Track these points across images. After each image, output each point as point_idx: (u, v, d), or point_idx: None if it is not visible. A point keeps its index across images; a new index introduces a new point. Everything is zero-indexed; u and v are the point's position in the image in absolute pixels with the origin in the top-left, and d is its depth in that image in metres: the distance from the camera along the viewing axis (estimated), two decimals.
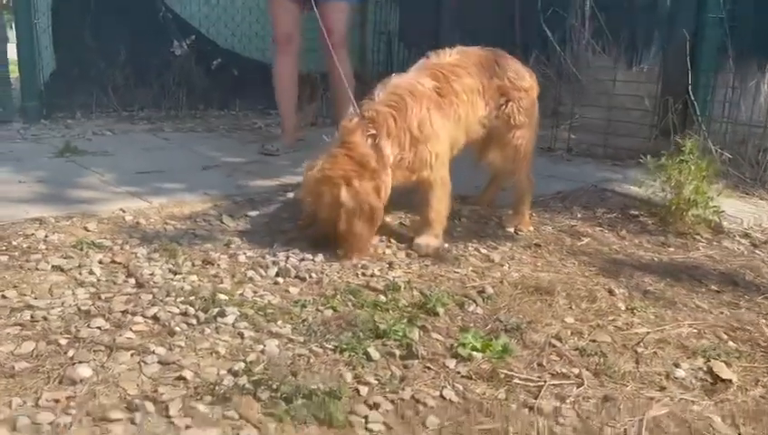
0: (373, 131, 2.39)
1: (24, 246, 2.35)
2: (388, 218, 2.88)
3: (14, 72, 5.19)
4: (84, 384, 1.53)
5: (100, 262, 2.24)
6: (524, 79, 2.83)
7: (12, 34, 5.29)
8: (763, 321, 2.11)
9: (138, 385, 1.54)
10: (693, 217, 3.02)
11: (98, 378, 1.56)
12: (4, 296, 1.95)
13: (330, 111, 5.08)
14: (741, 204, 3.43)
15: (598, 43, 5.65)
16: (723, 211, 2.98)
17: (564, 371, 1.73)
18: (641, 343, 1.91)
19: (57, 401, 1.45)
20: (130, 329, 1.79)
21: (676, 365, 1.79)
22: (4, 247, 2.32)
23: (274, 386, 1.54)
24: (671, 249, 2.81)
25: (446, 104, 2.55)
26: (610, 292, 2.27)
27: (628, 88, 4.75)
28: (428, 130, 2.46)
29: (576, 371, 1.73)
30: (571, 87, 5.17)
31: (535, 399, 1.59)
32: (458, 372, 1.69)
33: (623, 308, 2.15)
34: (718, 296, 2.33)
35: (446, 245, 2.61)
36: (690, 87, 3.82)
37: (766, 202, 3.52)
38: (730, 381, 1.73)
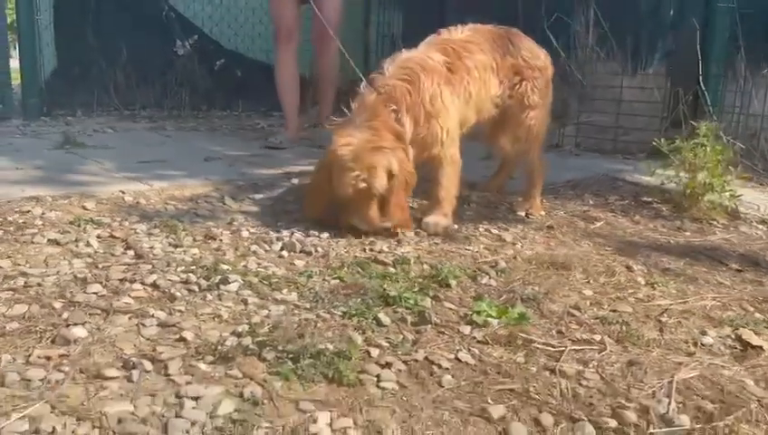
0: (394, 106, 2.31)
1: (20, 221, 2.26)
2: None
3: (15, 79, 5.17)
4: (78, 344, 1.44)
5: (98, 236, 2.16)
6: (539, 58, 2.76)
7: (15, 53, 5.26)
8: None
9: (135, 345, 1.45)
10: (708, 203, 2.94)
11: (93, 338, 1.47)
12: None
13: (336, 114, 5.08)
14: (756, 193, 3.35)
15: (602, 49, 5.62)
16: (740, 195, 2.90)
17: (585, 337, 1.64)
18: (665, 314, 1.81)
19: (49, 358, 1.37)
20: (128, 295, 1.70)
21: (703, 333, 1.70)
22: None
23: (280, 347, 1.45)
24: (687, 233, 2.72)
25: (457, 81, 2.47)
26: (629, 268, 2.18)
27: (635, 93, 4.71)
28: (439, 105, 2.38)
29: (598, 337, 1.64)
30: (576, 92, 5.13)
31: (557, 362, 1.50)
32: (474, 337, 1.60)
33: (643, 283, 2.06)
34: (740, 275, 2.24)
35: (456, 226, 2.52)
36: (701, 77, 3.75)
37: None
38: (761, 347, 1.63)
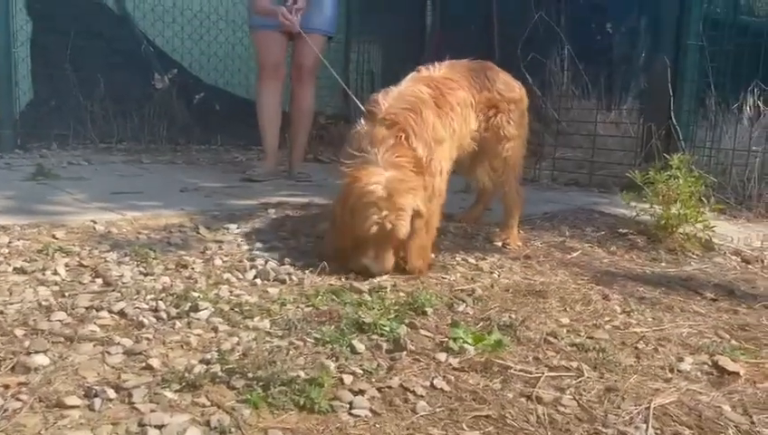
0: (404, 134, 2.28)
1: None
2: None
3: None
4: (39, 372, 1.38)
5: (67, 265, 2.11)
6: (514, 91, 2.79)
7: None
8: (765, 322, 2.02)
9: (99, 373, 1.40)
10: (683, 234, 2.96)
11: (55, 367, 1.41)
12: None
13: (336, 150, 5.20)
14: (729, 225, 3.40)
15: (577, 87, 5.75)
16: (714, 226, 2.93)
17: (562, 364, 1.62)
18: (641, 341, 1.80)
19: (7, 386, 1.31)
20: (94, 323, 1.65)
21: (680, 360, 1.69)
22: None
23: (250, 374, 1.40)
24: (663, 264, 2.74)
25: (444, 115, 2.47)
26: (605, 297, 2.18)
27: (609, 129, 4.80)
28: (441, 135, 2.39)
29: (575, 364, 1.62)
30: (552, 128, 5.22)
31: (533, 388, 1.47)
32: (449, 364, 1.57)
33: (619, 311, 2.05)
34: (715, 304, 2.24)
35: (433, 255, 2.50)
36: (673, 113, 3.83)
37: (754, 224, 3.49)
38: (737, 373, 1.62)
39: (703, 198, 3.03)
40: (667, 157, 3.10)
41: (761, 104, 3.82)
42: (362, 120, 2.38)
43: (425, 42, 6.49)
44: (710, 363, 1.68)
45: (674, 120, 3.84)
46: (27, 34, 5.02)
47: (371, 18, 6.59)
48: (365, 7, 6.57)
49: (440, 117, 2.44)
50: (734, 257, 2.92)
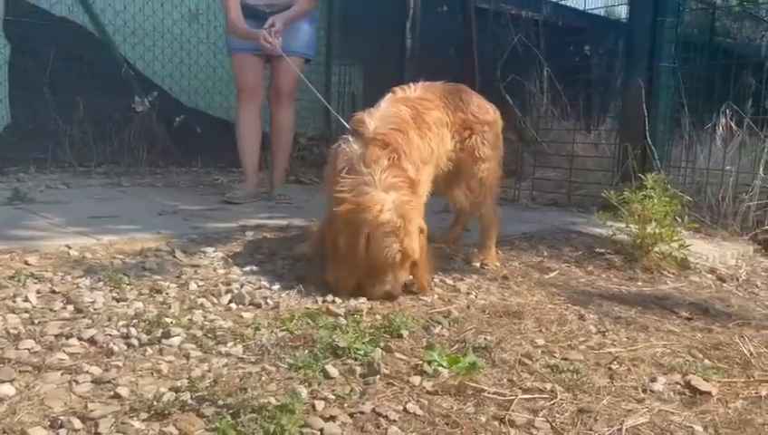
0: (395, 154, 2.29)
1: None
2: None
3: None
4: (4, 403, 1.35)
5: (38, 291, 2.07)
6: (488, 113, 2.82)
7: None
8: (738, 341, 2.03)
9: (66, 403, 1.38)
10: (658, 253, 2.99)
11: (21, 396, 1.39)
12: None
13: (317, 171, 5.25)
14: (704, 244, 3.44)
15: (557, 108, 5.83)
16: (689, 245, 2.96)
17: (536, 386, 1.61)
18: (615, 361, 1.81)
19: None
20: (63, 351, 1.62)
21: (653, 380, 1.69)
22: None
23: (220, 402, 1.39)
24: (639, 283, 2.76)
25: (423, 135, 2.49)
26: (581, 317, 2.19)
27: (587, 149, 4.87)
28: (425, 155, 2.42)
29: (548, 386, 1.62)
30: (532, 149, 5.27)
31: (506, 411, 1.46)
32: (423, 388, 1.56)
33: (594, 331, 2.06)
34: (690, 323, 2.26)
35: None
36: (648, 133, 3.88)
37: (729, 243, 3.53)
38: (709, 393, 1.63)
39: (677, 217, 3.07)
40: (642, 177, 3.14)
41: (733, 125, 3.89)
42: (349, 140, 2.37)
43: (404, 64, 6.55)
44: (683, 383, 1.69)
45: (649, 141, 3.89)
46: (5, 58, 5.00)
47: (352, 41, 6.65)
48: (345, 30, 6.63)
49: (421, 137, 2.47)
50: (709, 276, 2.96)
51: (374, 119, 2.39)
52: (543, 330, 2.02)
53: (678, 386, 1.68)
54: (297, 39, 3.99)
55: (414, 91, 2.65)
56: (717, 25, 9.37)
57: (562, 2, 7.17)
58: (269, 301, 2.11)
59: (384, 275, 2.18)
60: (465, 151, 2.74)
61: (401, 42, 6.59)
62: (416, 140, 2.39)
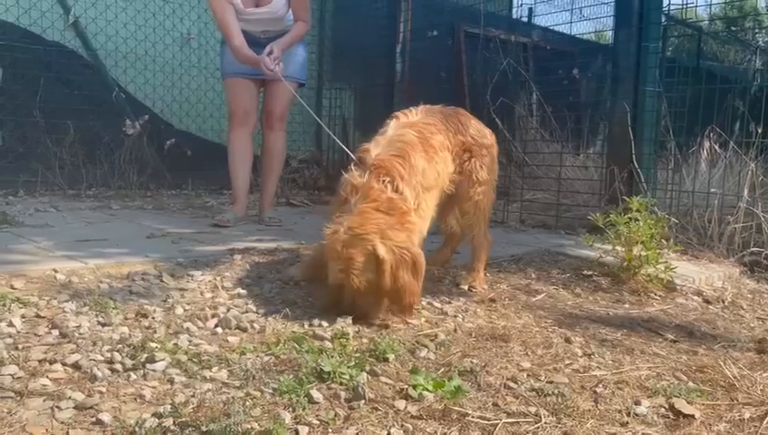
0: (388, 178, 2.29)
1: None
2: None
3: None
4: None
5: (23, 316, 2.06)
6: (486, 137, 2.86)
7: None
8: (722, 363, 2.04)
9: (47, 430, 1.37)
10: (645, 276, 3.02)
11: (2, 423, 1.37)
12: None
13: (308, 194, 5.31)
14: (691, 265, 3.46)
15: (546, 130, 5.89)
16: (675, 268, 2.98)
17: (521, 410, 1.62)
18: (600, 384, 1.81)
19: None
20: (46, 376, 1.61)
21: (637, 403, 1.70)
22: None
23: (203, 428, 1.38)
24: (626, 305, 2.78)
25: (430, 160, 2.50)
26: (567, 340, 2.19)
27: (576, 172, 4.91)
28: (430, 180, 2.43)
29: (533, 409, 1.62)
30: (520, 171, 5.32)
31: None
32: (408, 412, 1.56)
33: (580, 354, 2.07)
34: (675, 345, 2.27)
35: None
36: (634, 156, 3.93)
37: (716, 265, 3.55)
38: (693, 416, 1.64)
39: (664, 240, 3.10)
40: (628, 199, 3.17)
41: (717, 148, 3.94)
42: (352, 169, 2.38)
43: (395, 88, 6.61)
44: (666, 406, 1.69)
45: (635, 164, 3.93)
46: None
47: (342, 65, 6.72)
48: (336, 55, 6.70)
49: (428, 161, 2.48)
50: (695, 298, 2.98)
51: (378, 146, 2.42)
52: (529, 353, 2.03)
53: (662, 409, 1.68)
54: (292, 64, 4.02)
55: (415, 115, 2.67)
56: (704, 49, 9.54)
57: (554, 26, 7.29)
58: (255, 325, 2.11)
59: (359, 301, 2.19)
60: (463, 174, 2.76)
61: (391, 66, 6.67)
62: (421, 164, 2.39)
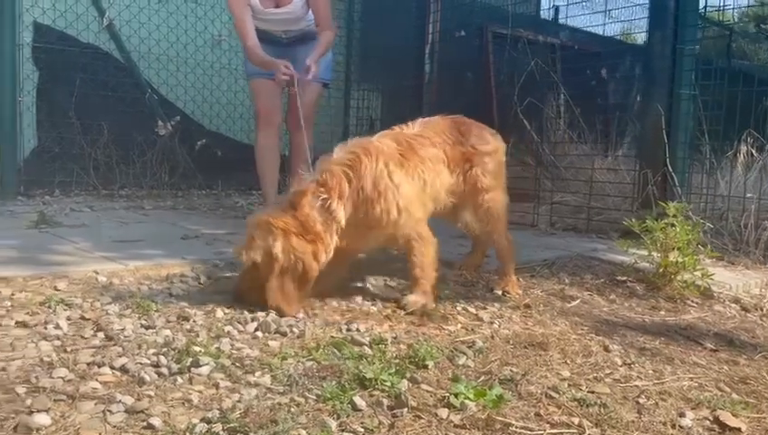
0: (325, 195, 2.33)
1: None
2: (373, 279, 2.82)
3: None
4: (41, 433, 1.38)
5: (69, 318, 2.11)
6: (488, 143, 2.83)
7: None
8: (766, 374, 2.02)
9: (100, 433, 1.40)
10: (681, 282, 2.98)
11: (57, 426, 1.41)
12: None
13: None
14: (727, 272, 3.41)
15: (573, 132, 5.84)
16: (712, 274, 2.94)
17: (564, 420, 1.61)
18: (642, 395, 1.80)
19: None
20: (96, 379, 1.65)
21: (681, 415, 1.69)
22: None
23: (251, 434, 1.40)
24: (662, 312, 2.75)
25: (411, 166, 2.50)
26: (605, 348, 2.18)
27: (606, 174, 4.86)
28: (384, 186, 2.38)
29: (576, 420, 1.61)
30: (549, 173, 5.28)
31: None
32: (451, 422, 1.56)
33: (620, 363, 2.06)
34: (715, 355, 2.25)
35: (434, 305, 2.52)
36: (668, 160, 3.88)
37: (752, 271, 3.50)
38: (739, 429, 1.62)
39: (700, 246, 3.06)
40: (664, 204, 3.14)
41: (754, 152, 3.88)
42: (307, 172, 2.47)
43: (423, 89, 6.61)
44: (711, 419, 1.68)
45: (669, 168, 3.89)
46: (33, 84, 5.12)
47: (370, 66, 6.73)
48: (364, 55, 6.71)
49: (403, 165, 2.47)
50: (733, 305, 2.94)
51: (340, 151, 2.43)
52: (569, 361, 2.02)
53: (707, 421, 1.67)
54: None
55: (411, 127, 2.68)
56: (733, 48, 9.38)
57: (582, 27, 7.21)
58: (294, 329, 2.13)
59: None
60: (467, 184, 2.76)
61: (419, 67, 6.67)
62: (373, 171, 2.36)
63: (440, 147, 2.67)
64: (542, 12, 9.12)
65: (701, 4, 3.98)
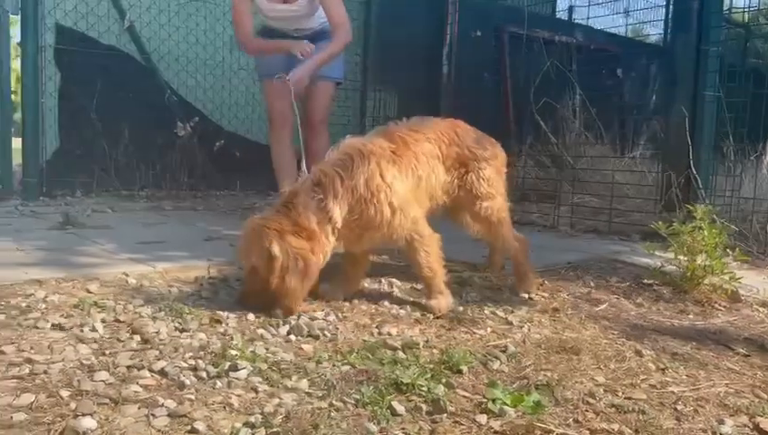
0: (320, 195, 2.33)
1: (23, 305, 2.23)
2: (399, 282, 2.82)
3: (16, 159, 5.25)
4: None
5: (103, 321, 2.13)
6: (486, 149, 2.76)
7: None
8: None
9: None
10: (709, 286, 2.96)
11: (103, 430, 1.42)
12: (1, 352, 1.83)
13: None
14: (754, 275, 3.39)
15: (589, 132, 5.82)
16: (740, 278, 2.92)
17: (603, 427, 1.61)
18: (679, 401, 1.79)
19: None
20: (137, 383, 1.67)
21: (720, 422, 1.68)
22: (1, 306, 2.21)
23: None
24: (690, 316, 2.73)
25: (404, 163, 2.47)
26: (638, 353, 2.17)
27: (624, 175, 4.84)
28: (377, 185, 2.36)
29: (615, 426, 1.61)
30: (565, 174, 5.26)
31: None
32: (491, 428, 1.56)
33: (653, 368, 2.05)
34: (748, 360, 2.23)
35: (461, 308, 2.52)
36: (692, 162, 3.86)
37: None
38: None
39: (728, 249, 3.04)
40: (690, 207, 3.12)
41: None
42: (302, 173, 2.50)
43: (440, 90, 6.61)
44: (751, 426, 1.67)
45: (693, 170, 3.86)
46: (55, 85, 5.16)
47: (387, 67, 6.73)
48: (381, 56, 6.71)
49: (396, 163, 2.44)
50: (761, 309, 2.91)
51: (333, 153, 2.44)
52: (602, 367, 2.02)
53: (747, 429, 1.66)
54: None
55: (405, 123, 2.65)
56: (748, 47, 9.31)
57: (607, 29, 7.19)
58: (326, 332, 2.14)
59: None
60: (462, 189, 2.70)
61: (436, 67, 6.67)
62: (365, 171, 2.35)
63: (435, 143, 2.62)
64: (558, 14, 9.11)
65: (725, 6, 3.94)
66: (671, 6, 7.65)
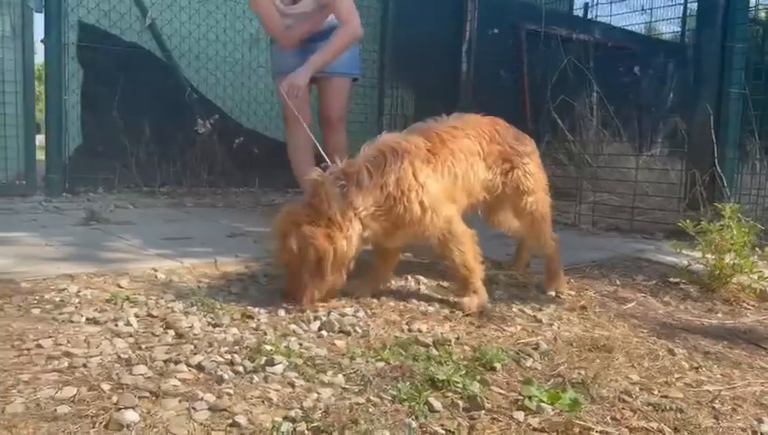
0: (343, 182, 2.32)
1: (57, 299, 2.26)
2: (425, 279, 2.82)
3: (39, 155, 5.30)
4: (132, 429, 1.41)
5: (137, 315, 2.15)
6: (525, 145, 2.78)
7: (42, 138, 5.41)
8: None
9: (189, 431, 1.42)
10: (737, 285, 2.94)
11: (146, 423, 1.44)
12: (39, 346, 1.85)
13: None
14: None
15: (607, 129, 5.78)
16: None
17: (642, 425, 1.60)
18: (716, 400, 1.78)
19: None
20: (175, 377, 1.68)
21: (759, 421, 1.67)
22: (35, 301, 2.24)
23: (336, 434, 1.42)
24: (719, 315, 2.71)
25: (439, 161, 2.45)
26: (670, 351, 2.16)
27: (643, 173, 4.80)
28: (408, 184, 2.34)
29: (654, 425, 1.60)
30: (583, 172, 5.23)
31: None
32: (529, 425, 1.56)
33: (687, 367, 2.04)
34: None
35: (490, 305, 2.52)
36: (716, 160, 3.83)
37: None
38: None
39: (757, 248, 3.01)
40: (716, 205, 3.10)
41: None
42: (326, 169, 2.47)
43: (459, 87, 6.60)
44: None
45: (718, 168, 3.83)
46: (78, 82, 5.20)
47: (405, 64, 6.72)
48: (398, 53, 6.70)
49: (430, 162, 2.42)
50: None
51: (366, 149, 2.43)
52: (636, 365, 2.01)
53: None
54: (341, 58, 3.86)
55: (444, 121, 2.63)
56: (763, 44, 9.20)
57: (628, 27, 7.14)
58: (357, 328, 2.14)
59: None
60: (508, 186, 2.69)
61: (453, 65, 6.66)
62: (397, 170, 2.34)
63: (475, 139, 2.60)
64: (575, 12, 9.06)
65: (751, 2, 3.91)
66: (688, 4, 7.59)
